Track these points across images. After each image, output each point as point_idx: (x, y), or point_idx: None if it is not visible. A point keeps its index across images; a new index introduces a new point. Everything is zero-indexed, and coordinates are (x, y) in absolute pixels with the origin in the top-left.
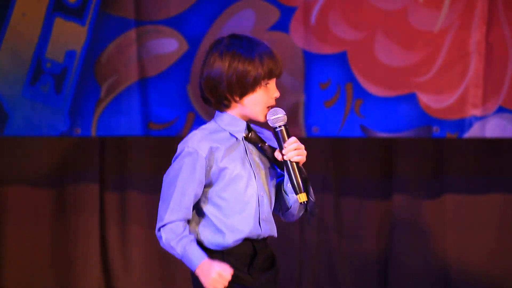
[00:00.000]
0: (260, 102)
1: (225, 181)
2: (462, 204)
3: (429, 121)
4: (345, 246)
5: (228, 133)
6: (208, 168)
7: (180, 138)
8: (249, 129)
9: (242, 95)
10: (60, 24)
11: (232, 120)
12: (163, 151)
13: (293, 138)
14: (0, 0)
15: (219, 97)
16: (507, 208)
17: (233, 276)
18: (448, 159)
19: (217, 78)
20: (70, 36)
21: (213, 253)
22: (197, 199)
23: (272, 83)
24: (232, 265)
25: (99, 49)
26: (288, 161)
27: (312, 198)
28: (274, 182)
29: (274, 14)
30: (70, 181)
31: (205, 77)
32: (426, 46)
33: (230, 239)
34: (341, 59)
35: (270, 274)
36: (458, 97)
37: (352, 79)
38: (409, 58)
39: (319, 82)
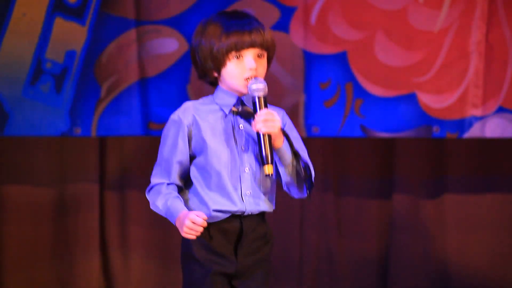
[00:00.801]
0: (234, 75)
1: (206, 155)
2: (462, 204)
3: (429, 121)
4: (345, 246)
5: (218, 106)
6: (191, 136)
7: None
8: (241, 103)
9: (217, 68)
10: (60, 24)
11: (223, 94)
12: None
13: (265, 110)
14: (0, 0)
15: (201, 71)
16: (507, 208)
17: (215, 262)
18: (448, 159)
19: (192, 52)
20: (70, 36)
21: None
22: (184, 165)
23: (247, 54)
24: (218, 244)
25: (99, 49)
26: (258, 132)
27: (310, 173)
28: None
29: (274, 14)
30: (70, 181)
31: (190, 52)
32: (426, 46)
33: (212, 212)
34: (341, 59)
35: (259, 256)
36: (458, 97)
37: (352, 79)
38: (409, 58)
39: (319, 82)
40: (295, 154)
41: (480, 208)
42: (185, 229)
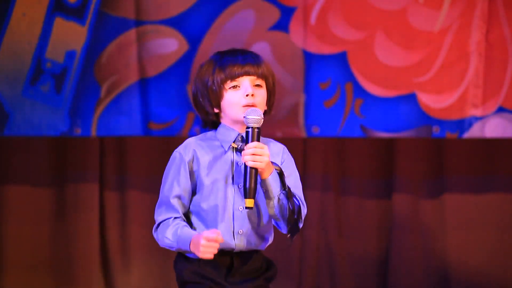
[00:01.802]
0: (232, 103)
1: (201, 193)
2: (462, 204)
3: (429, 121)
4: (345, 246)
5: (219, 142)
6: (193, 172)
7: (180, 138)
8: (242, 139)
9: (215, 102)
10: (60, 24)
11: (224, 130)
12: (163, 151)
13: (254, 143)
14: (0, 0)
15: (202, 112)
16: (507, 208)
17: (210, 281)
18: (448, 159)
19: (193, 97)
20: (70, 36)
21: (189, 259)
22: (186, 200)
23: (243, 82)
24: (209, 274)
25: (99, 49)
26: (245, 164)
27: (297, 215)
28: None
29: (274, 14)
30: (70, 181)
31: (192, 96)
32: (426, 46)
33: None
34: (341, 59)
35: (256, 284)
36: (458, 97)
37: (352, 79)
38: (409, 58)
39: (319, 82)
40: (285, 189)
41: (480, 208)
42: (201, 248)
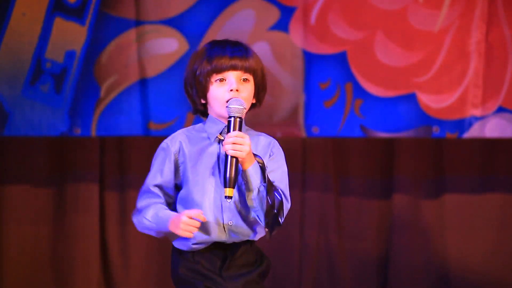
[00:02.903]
0: (216, 97)
1: (187, 186)
2: (462, 204)
3: (429, 121)
4: (345, 246)
5: (206, 134)
6: (178, 164)
7: None
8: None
9: (202, 93)
10: (60, 24)
11: (211, 121)
12: None
13: (235, 133)
14: (0, 0)
15: (191, 101)
16: (507, 208)
17: (204, 277)
18: (448, 159)
19: (184, 84)
20: (70, 36)
21: (183, 253)
22: (168, 190)
23: (229, 77)
24: (203, 270)
25: (99, 49)
26: (225, 153)
27: (277, 209)
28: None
29: (274, 14)
30: (70, 181)
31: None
32: (426, 46)
33: (196, 240)
34: (341, 59)
35: (249, 279)
36: (458, 97)
37: (352, 79)
38: (409, 58)
39: (319, 82)
40: (265, 182)
41: (480, 208)
42: (181, 225)
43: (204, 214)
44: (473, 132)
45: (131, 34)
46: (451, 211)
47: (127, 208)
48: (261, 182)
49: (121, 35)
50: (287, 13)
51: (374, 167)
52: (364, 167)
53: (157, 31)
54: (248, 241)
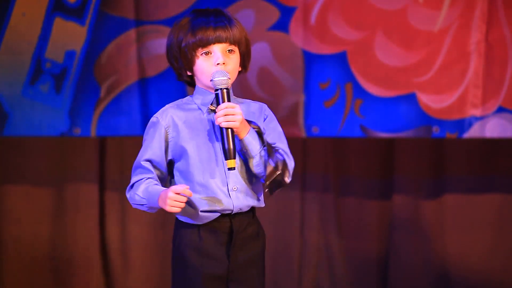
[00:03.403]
0: (203, 71)
1: (186, 158)
2: (462, 204)
3: (429, 121)
4: (345, 246)
5: (196, 106)
6: (168, 139)
7: None
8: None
9: (188, 66)
10: (60, 24)
11: (200, 93)
12: None
13: (225, 104)
14: (0, 0)
15: (176, 71)
16: (507, 208)
17: (207, 264)
18: (448, 159)
19: (167, 51)
20: (70, 36)
21: (189, 227)
22: (159, 165)
23: (214, 49)
24: (210, 248)
25: (99, 49)
26: (219, 126)
27: (282, 168)
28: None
29: (274, 14)
30: (70, 181)
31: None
32: (426, 46)
33: (200, 212)
34: (341, 59)
35: (252, 256)
36: (458, 97)
37: (352, 79)
38: (409, 58)
39: (319, 82)
40: (264, 146)
41: (480, 208)
42: (168, 201)
43: (208, 183)
44: (473, 132)
45: (131, 34)
46: (451, 211)
47: (127, 208)
48: (260, 147)
49: (121, 35)
50: (287, 13)
51: (374, 167)
52: (364, 167)
53: (157, 31)
54: (250, 211)
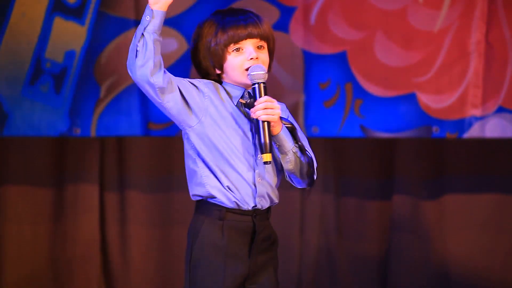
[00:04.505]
0: (236, 67)
1: (221, 147)
2: (462, 204)
3: (429, 121)
4: (345, 247)
5: (229, 98)
6: (205, 101)
7: (180, 139)
8: (249, 95)
9: (218, 64)
10: (60, 24)
11: (230, 87)
12: (163, 151)
13: (265, 97)
14: (0, 0)
15: (203, 71)
16: (507, 208)
17: (228, 265)
18: (448, 159)
19: (192, 54)
20: (69, 36)
21: (213, 225)
22: (173, 83)
23: (246, 45)
24: (231, 240)
25: (99, 49)
26: (257, 119)
27: (313, 162)
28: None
29: (274, 14)
30: (70, 181)
31: (190, 53)
32: (426, 46)
33: (228, 196)
34: (340, 59)
35: (269, 255)
36: (458, 97)
37: (352, 79)
38: (409, 58)
39: (318, 82)
40: (298, 143)
41: (480, 208)
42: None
43: (238, 166)
44: (473, 132)
45: (131, 34)
46: (451, 211)
47: (127, 208)
48: (293, 144)
49: (121, 35)
50: (287, 13)
51: (374, 167)
52: (364, 167)
53: None
54: (267, 213)
